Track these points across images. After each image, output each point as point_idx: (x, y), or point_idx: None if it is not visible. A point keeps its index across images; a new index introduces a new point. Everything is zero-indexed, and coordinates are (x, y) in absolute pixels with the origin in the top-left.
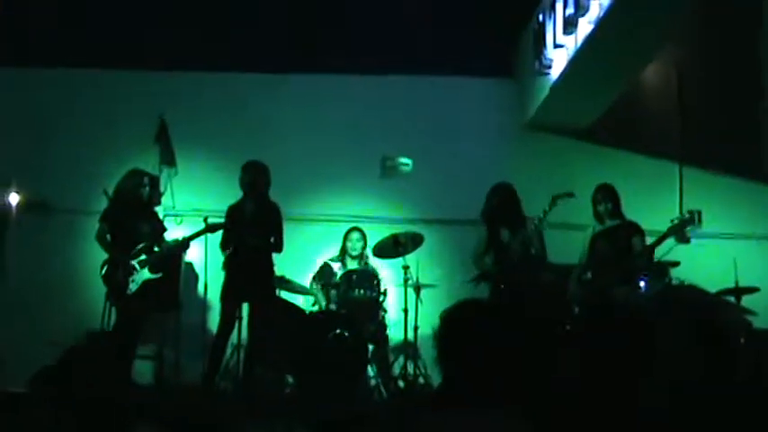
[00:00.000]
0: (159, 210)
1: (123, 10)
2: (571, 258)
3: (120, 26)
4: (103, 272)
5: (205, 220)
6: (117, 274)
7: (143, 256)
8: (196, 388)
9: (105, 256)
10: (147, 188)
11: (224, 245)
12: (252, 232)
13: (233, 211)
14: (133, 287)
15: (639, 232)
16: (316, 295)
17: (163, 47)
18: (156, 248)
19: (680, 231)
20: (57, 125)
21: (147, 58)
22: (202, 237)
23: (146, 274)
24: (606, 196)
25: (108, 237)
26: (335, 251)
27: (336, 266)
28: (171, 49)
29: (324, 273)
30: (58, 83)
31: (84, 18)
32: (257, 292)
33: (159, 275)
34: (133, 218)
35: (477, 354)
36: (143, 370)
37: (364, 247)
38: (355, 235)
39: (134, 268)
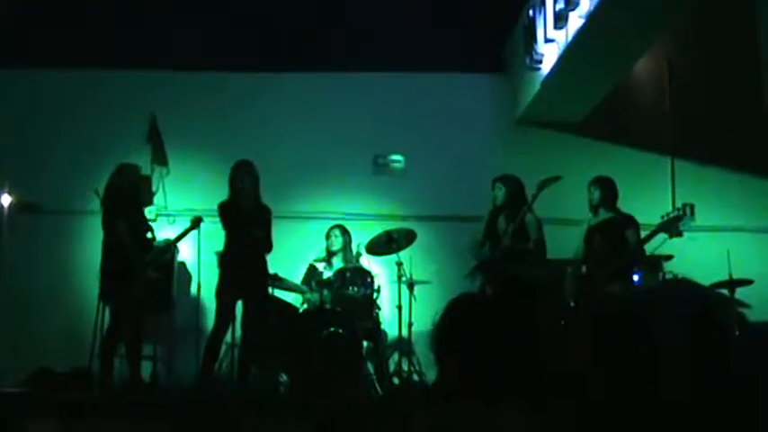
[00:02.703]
0: (152, 210)
1: (114, 10)
2: (567, 254)
3: (110, 26)
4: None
5: (193, 219)
6: (133, 276)
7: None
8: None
9: (91, 253)
10: (142, 181)
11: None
12: (251, 226)
13: (228, 209)
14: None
15: (634, 225)
16: (312, 296)
17: (155, 46)
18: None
19: (672, 227)
20: (47, 126)
21: (139, 58)
22: (195, 237)
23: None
24: (596, 186)
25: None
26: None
27: (321, 266)
28: (163, 48)
29: (310, 274)
30: (48, 84)
31: (75, 18)
32: (253, 289)
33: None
34: (138, 219)
35: (474, 349)
36: None
37: (348, 242)
38: (335, 231)
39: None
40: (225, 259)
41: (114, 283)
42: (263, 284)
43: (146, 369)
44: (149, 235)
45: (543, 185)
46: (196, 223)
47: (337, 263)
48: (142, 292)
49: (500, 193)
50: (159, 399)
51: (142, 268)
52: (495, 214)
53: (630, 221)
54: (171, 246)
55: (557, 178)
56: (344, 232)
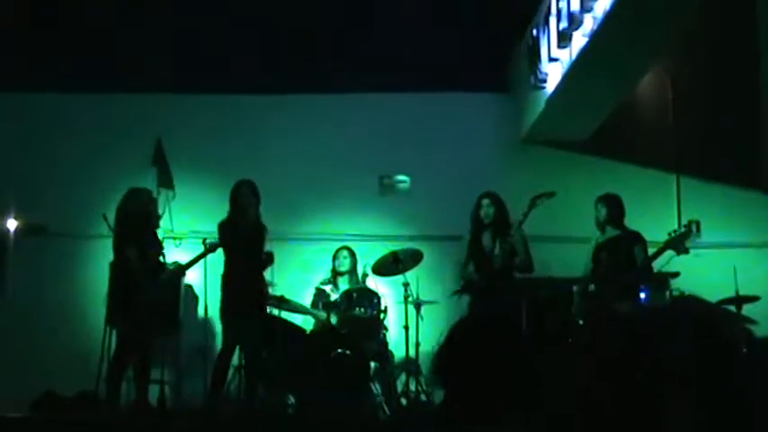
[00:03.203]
0: (158, 233)
1: (120, 33)
2: (575, 272)
3: (116, 49)
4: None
5: (204, 242)
6: (143, 299)
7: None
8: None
9: (97, 276)
10: (155, 205)
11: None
12: (253, 247)
13: (229, 228)
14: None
15: (641, 242)
16: (320, 317)
17: (160, 69)
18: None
19: (679, 244)
20: (54, 149)
21: (145, 81)
22: (202, 259)
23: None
24: (602, 204)
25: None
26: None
27: (328, 288)
28: (168, 71)
29: (318, 297)
30: (55, 107)
31: (80, 41)
32: (254, 310)
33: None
34: (146, 241)
35: (476, 371)
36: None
37: (355, 264)
38: (343, 252)
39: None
40: (226, 279)
41: (122, 307)
42: (263, 305)
43: (153, 392)
44: (161, 258)
45: (535, 202)
46: (211, 248)
47: (343, 284)
48: (150, 317)
49: (491, 210)
50: (167, 422)
51: (151, 293)
52: (478, 232)
53: (638, 238)
54: (183, 269)
55: (551, 194)
56: (352, 254)
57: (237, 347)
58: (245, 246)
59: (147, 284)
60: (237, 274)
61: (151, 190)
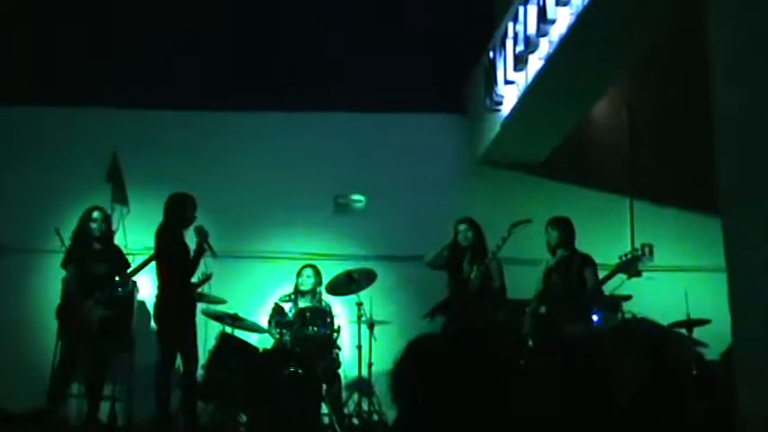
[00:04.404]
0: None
1: (77, 46)
2: (527, 293)
3: (74, 62)
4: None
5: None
6: (80, 316)
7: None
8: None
9: (51, 292)
10: (99, 221)
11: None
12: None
13: (169, 237)
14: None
15: (592, 265)
16: (275, 337)
17: (117, 84)
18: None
19: (631, 267)
20: (7, 163)
21: (101, 95)
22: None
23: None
24: (552, 227)
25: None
26: (289, 289)
27: (287, 306)
28: (125, 86)
29: (275, 314)
30: (8, 120)
31: (36, 54)
32: (185, 323)
33: (112, 313)
34: (88, 258)
35: (433, 389)
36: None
37: (318, 284)
38: (307, 271)
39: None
40: (162, 290)
41: (64, 322)
42: (194, 319)
43: (104, 409)
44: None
45: (512, 229)
46: (155, 257)
47: (303, 303)
48: (95, 333)
49: (469, 234)
50: None
51: (92, 309)
52: (458, 256)
53: (588, 261)
54: (131, 276)
55: (527, 221)
56: (317, 273)
57: (173, 361)
58: (182, 257)
59: (83, 301)
60: (173, 284)
61: (101, 206)
